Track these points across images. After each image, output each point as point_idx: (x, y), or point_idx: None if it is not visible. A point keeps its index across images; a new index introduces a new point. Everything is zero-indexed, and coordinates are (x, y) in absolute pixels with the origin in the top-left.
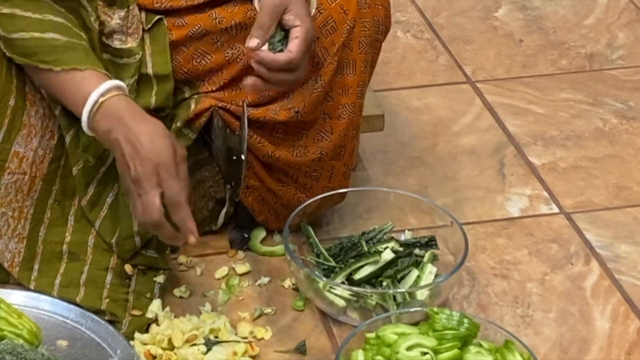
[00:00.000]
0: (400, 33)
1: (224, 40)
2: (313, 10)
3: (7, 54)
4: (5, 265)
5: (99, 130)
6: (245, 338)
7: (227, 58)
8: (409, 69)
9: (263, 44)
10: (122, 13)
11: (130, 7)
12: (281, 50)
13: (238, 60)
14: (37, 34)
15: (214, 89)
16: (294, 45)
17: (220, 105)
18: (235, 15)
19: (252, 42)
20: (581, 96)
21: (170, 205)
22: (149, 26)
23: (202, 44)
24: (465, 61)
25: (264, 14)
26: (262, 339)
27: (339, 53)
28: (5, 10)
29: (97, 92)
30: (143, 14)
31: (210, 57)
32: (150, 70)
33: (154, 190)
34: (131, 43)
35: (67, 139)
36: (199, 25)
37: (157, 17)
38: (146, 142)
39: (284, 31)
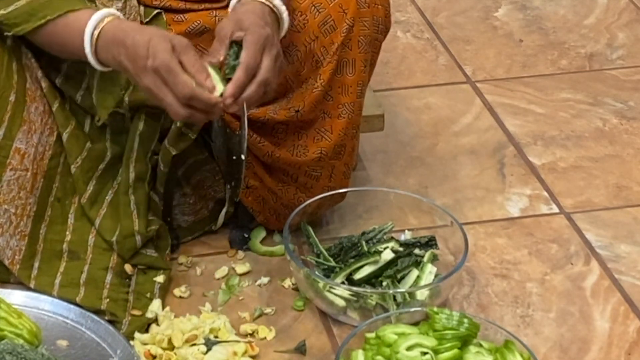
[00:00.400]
0: (400, 33)
1: None
2: (284, 30)
3: (8, 34)
4: (6, 262)
5: (105, 61)
6: (245, 337)
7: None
8: (409, 69)
9: (217, 64)
10: (120, 4)
11: None
12: (236, 67)
13: None
14: None
15: None
16: (243, 55)
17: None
18: None
19: (209, 59)
20: (581, 96)
21: (182, 99)
22: (147, 20)
23: (201, 41)
24: (465, 61)
25: (215, 41)
26: (264, 338)
27: (338, 52)
28: None
29: (90, 24)
30: (142, 8)
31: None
32: None
33: (167, 94)
34: None
35: (65, 136)
36: (198, 22)
37: (156, 11)
38: (143, 53)
39: (238, 46)
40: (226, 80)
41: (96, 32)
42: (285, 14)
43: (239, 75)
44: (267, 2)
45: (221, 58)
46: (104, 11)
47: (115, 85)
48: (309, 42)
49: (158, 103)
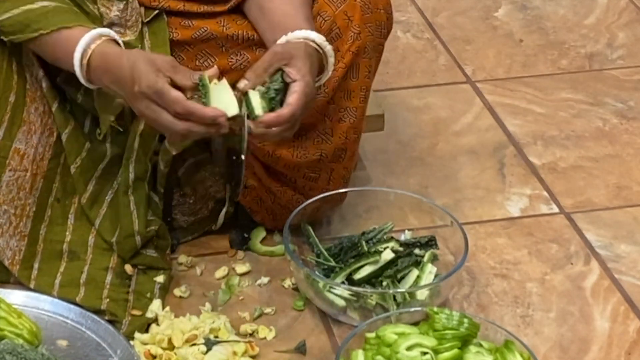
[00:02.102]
0: (400, 33)
1: (230, 46)
2: (329, 73)
3: (3, 38)
4: (6, 263)
5: (98, 84)
6: (245, 337)
7: (231, 64)
8: (408, 69)
9: (251, 87)
10: (121, 5)
11: (130, 0)
12: (272, 99)
13: (242, 67)
14: (26, 7)
15: None
16: (294, 98)
17: None
18: (243, 28)
19: (241, 83)
20: (581, 96)
21: (177, 115)
22: (147, 19)
23: (207, 47)
24: (465, 61)
25: (263, 59)
26: (264, 338)
27: (344, 60)
28: None
29: (78, 48)
30: (142, 9)
31: (213, 60)
32: None
33: (161, 113)
34: (129, 36)
35: (64, 136)
36: (205, 28)
37: (157, 11)
38: (129, 79)
39: (284, 83)
40: (264, 100)
41: (85, 59)
42: (331, 68)
43: (285, 115)
44: (321, 51)
45: (263, 82)
46: (92, 33)
47: (113, 99)
48: None
49: (155, 126)
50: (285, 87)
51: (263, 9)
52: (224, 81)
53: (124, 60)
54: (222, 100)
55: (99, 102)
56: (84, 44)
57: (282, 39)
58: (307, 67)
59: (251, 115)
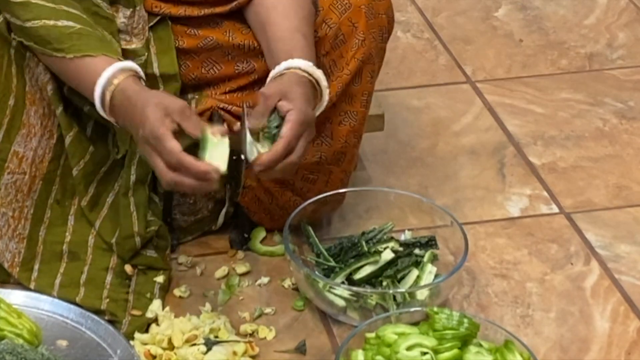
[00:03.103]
0: (400, 33)
1: (236, 54)
2: (326, 98)
3: (23, 42)
4: (6, 265)
5: (115, 120)
6: (245, 337)
7: (237, 71)
8: (408, 69)
9: (252, 131)
10: (128, 12)
11: (137, 8)
12: (274, 136)
13: (248, 74)
14: (50, 22)
15: (218, 93)
16: (287, 128)
17: (220, 106)
18: (249, 37)
19: (235, 127)
20: (581, 96)
21: (170, 165)
22: (151, 24)
23: (213, 55)
24: (465, 61)
25: (257, 107)
26: (264, 338)
27: (349, 67)
28: None
29: (101, 79)
30: (146, 15)
31: (220, 67)
32: (156, 70)
33: (156, 160)
34: (136, 44)
35: (67, 139)
36: (211, 38)
37: (158, 17)
38: (137, 121)
39: (282, 118)
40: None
41: (108, 91)
42: (326, 93)
43: (278, 149)
44: (312, 78)
45: (262, 124)
46: (115, 67)
47: None
48: (320, 57)
49: (154, 172)
50: (282, 120)
51: (264, 29)
52: (226, 139)
53: (138, 101)
54: (218, 156)
55: (118, 134)
56: (106, 77)
57: (274, 72)
58: (297, 94)
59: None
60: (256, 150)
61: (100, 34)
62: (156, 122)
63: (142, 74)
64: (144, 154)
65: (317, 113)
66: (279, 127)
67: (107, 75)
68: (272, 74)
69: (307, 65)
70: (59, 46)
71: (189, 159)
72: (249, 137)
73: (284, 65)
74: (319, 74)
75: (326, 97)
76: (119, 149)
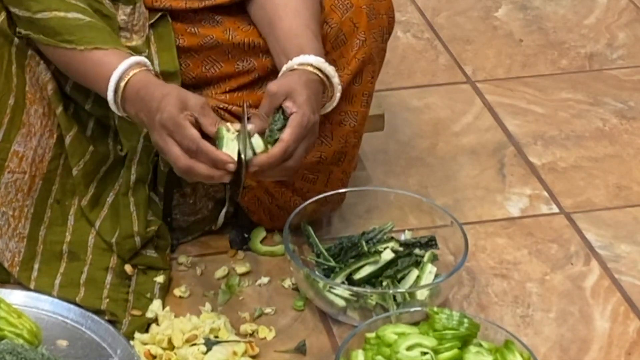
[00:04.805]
0: (400, 33)
1: (236, 53)
2: (337, 94)
3: (31, 35)
4: (6, 265)
5: (127, 113)
6: (245, 337)
7: (237, 70)
8: (408, 69)
9: (258, 131)
10: (128, 9)
11: (137, 4)
12: (277, 137)
13: (249, 72)
14: (60, 13)
15: (218, 92)
16: (287, 133)
17: (221, 106)
18: (249, 35)
19: (248, 126)
20: (581, 96)
21: (188, 152)
22: (151, 21)
23: (213, 53)
24: (465, 61)
25: (263, 103)
26: (264, 338)
27: (350, 67)
28: None
29: (117, 72)
30: (147, 12)
31: (220, 66)
32: (157, 68)
33: (172, 146)
34: (136, 41)
35: (68, 139)
36: (211, 37)
37: (160, 13)
38: (155, 108)
39: (286, 119)
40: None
41: (122, 83)
42: (338, 90)
43: (275, 153)
44: (322, 76)
45: (265, 124)
46: (130, 61)
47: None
48: None
49: (166, 158)
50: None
51: (272, 25)
52: (241, 137)
53: (157, 91)
54: (232, 152)
55: (121, 123)
56: (121, 71)
57: (282, 70)
58: (303, 97)
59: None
60: (252, 151)
61: (109, 28)
62: (175, 109)
63: (153, 70)
64: (158, 140)
65: (328, 110)
66: (281, 129)
67: (124, 68)
68: (283, 68)
69: (319, 61)
70: (69, 37)
71: (209, 145)
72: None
73: (296, 60)
74: (330, 70)
75: (338, 94)
76: (122, 146)
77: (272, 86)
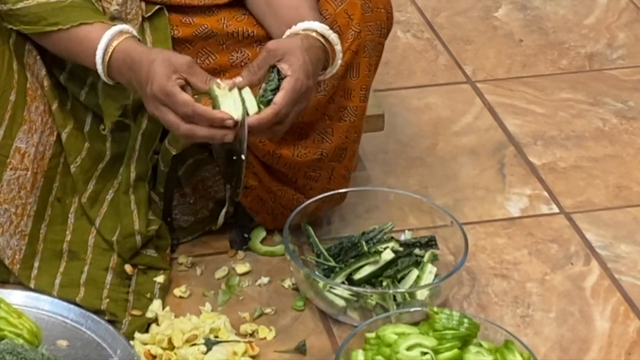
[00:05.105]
0: (400, 33)
1: (230, 44)
2: (338, 61)
3: (13, 28)
4: (6, 262)
5: (118, 80)
6: (245, 337)
7: (231, 61)
8: (409, 69)
9: (246, 84)
10: (120, 0)
11: None
12: (270, 100)
13: (242, 64)
14: None
15: None
16: (279, 97)
17: None
18: (244, 24)
19: (236, 79)
20: (581, 96)
21: (184, 117)
22: (148, 14)
23: (208, 44)
24: (465, 61)
25: (258, 57)
26: (264, 338)
27: (344, 58)
28: None
29: (101, 43)
30: (143, 4)
31: (214, 57)
32: None
33: (168, 113)
34: None
35: (64, 136)
36: (205, 26)
37: (157, 6)
38: (144, 79)
39: (280, 80)
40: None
41: (108, 53)
42: (339, 57)
43: (267, 116)
44: (325, 43)
45: (258, 80)
46: (115, 29)
47: (120, 93)
48: None
49: (165, 126)
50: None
51: (270, 3)
52: (235, 90)
53: (143, 59)
54: (229, 106)
55: (104, 97)
56: (106, 40)
57: (286, 33)
58: (299, 62)
59: (249, 115)
60: (245, 111)
61: (93, 6)
62: (164, 78)
63: (139, 37)
64: (153, 111)
65: (327, 76)
66: (275, 90)
67: (107, 38)
68: (287, 32)
69: (324, 28)
70: (53, 20)
71: (204, 107)
72: (246, 92)
73: (300, 26)
74: (334, 37)
75: (339, 61)
76: (104, 126)
77: (271, 44)
